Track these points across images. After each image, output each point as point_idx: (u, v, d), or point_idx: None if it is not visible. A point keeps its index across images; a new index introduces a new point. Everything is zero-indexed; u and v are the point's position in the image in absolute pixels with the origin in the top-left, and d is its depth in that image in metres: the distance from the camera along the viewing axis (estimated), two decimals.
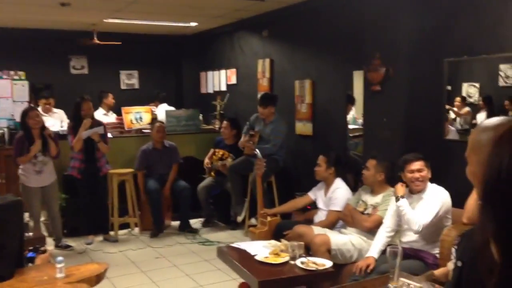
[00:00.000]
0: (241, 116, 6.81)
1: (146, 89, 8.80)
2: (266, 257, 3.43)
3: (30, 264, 3.14)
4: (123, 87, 9.06)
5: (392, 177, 3.96)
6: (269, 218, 4.68)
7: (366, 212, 4.00)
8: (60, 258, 2.88)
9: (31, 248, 3.29)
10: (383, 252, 3.42)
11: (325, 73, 5.76)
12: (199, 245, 5.65)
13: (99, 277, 2.94)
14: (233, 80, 7.74)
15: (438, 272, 2.91)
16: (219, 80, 8.16)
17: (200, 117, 7.35)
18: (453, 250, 1.72)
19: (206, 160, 6.35)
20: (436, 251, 3.44)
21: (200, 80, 8.88)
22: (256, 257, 3.45)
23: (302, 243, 3.52)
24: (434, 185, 3.59)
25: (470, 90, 4.26)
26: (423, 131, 4.40)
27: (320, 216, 4.49)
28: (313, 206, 4.74)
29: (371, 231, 3.86)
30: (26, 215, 4.91)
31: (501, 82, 3.97)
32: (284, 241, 3.68)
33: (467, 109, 4.31)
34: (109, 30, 7.70)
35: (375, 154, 4.12)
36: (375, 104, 4.71)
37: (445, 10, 4.19)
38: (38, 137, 5.13)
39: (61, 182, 5.67)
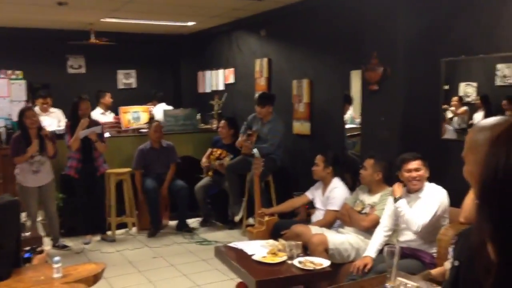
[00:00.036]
0: (238, 115, 6.81)
1: (144, 89, 8.80)
2: (264, 257, 3.43)
3: (27, 265, 3.13)
4: (120, 86, 9.04)
5: (390, 176, 3.97)
6: (266, 218, 4.68)
7: (363, 211, 4.00)
8: (57, 258, 2.87)
9: (28, 248, 3.29)
10: (381, 251, 3.43)
11: (322, 72, 5.76)
12: (197, 244, 5.65)
13: (96, 277, 2.93)
14: (231, 80, 7.73)
15: (435, 271, 2.92)
16: (217, 79, 8.15)
17: (198, 116, 7.35)
18: (450, 249, 1.72)
19: (204, 160, 6.35)
20: (433, 250, 3.45)
21: (197, 79, 8.86)
22: (254, 257, 3.45)
23: (300, 242, 3.53)
24: (432, 185, 3.59)
25: (468, 89, 4.27)
26: (421, 131, 4.41)
27: (317, 215, 4.49)
28: (310, 205, 4.75)
29: (368, 231, 3.87)
30: (23, 215, 4.90)
31: (498, 82, 3.97)
32: (281, 241, 3.68)
33: (464, 108, 4.32)
34: (106, 30, 7.68)
35: (373, 153, 4.13)
36: (372, 104, 4.71)
37: (442, 10, 4.20)
38: (35, 137, 5.12)
39: (58, 182, 5.66)
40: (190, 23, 7.52)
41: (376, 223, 3.77)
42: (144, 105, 7.57)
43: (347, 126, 5.68)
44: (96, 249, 5.51)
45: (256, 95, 6.41)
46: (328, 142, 5.57)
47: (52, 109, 7.00)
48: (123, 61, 8.93)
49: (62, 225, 5.66)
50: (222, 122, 6.45)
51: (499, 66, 3.93)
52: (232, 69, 7.71)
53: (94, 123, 5.65)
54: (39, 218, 5.68)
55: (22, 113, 5.16)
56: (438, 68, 4.19)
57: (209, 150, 6.41)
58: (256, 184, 5.12)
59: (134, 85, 9.15)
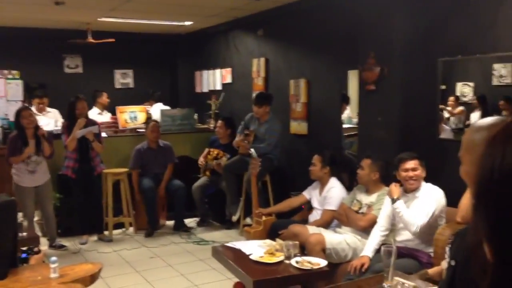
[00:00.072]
0: (236, 115, 6.81)
1: (141, 88, 8.78)
2: (261, 257, 3.43)
3: (24, 265, 3.12)
4: (117, 86, 9.03)
5: (387, 176, 3.97)
6: (264, 218, 4.68)
7: (360, 211, 4.01)
8: (54, 258, 2.87)
9: (25, 248, 3.28)
10: (378, 251, 3.43)
11: (320, 72, 5.76)
12: (194, 244, 5.65)
13: (93, 277, 2.93)
14: (228, 79, 7.73)
15: (432, 271, 2.92)
16: (214, 79, 8.15)
17: (195, 116, 7.34)
18: (447, 249, 1.72)
19: (201, 159, 6.34)
20: (430, 250, 3.46)
21: (195, 79, 8.86)
22: (251, 257, 3.45)
23: (297, 242, 3.53)
24: (429, 184, 3.60)
25: (464, 89, 4.28)
26: (418, 130, 4.41)
27: (315, 215, 4.49)
28: (308, 205, 4.75)
29: (365, 230, 3.87)
30: (20, 215, 4.89)
31: (495, 82, 3.98)
32: (279, 241, 3.68)
33: (460, 108, 4.33)
34: (103, 29, 7.67)
35: (370, 153, 4.14)
36: (369, 104, 4.72)
37: (439, 10, 4.20)
38: (32, 137, 5.11)
39: (55, 182, 5.65)
40: (187, 23, 7.51)
41: (373, 223, 3.77)
42: (141, 105, 7.56)
43: (344, 126, 5.69)
44: (93, 249, 5.51)
45: (254, 95, 6.41)
46: (325, 142, 5.57)
47: (49, 109, 6.98)
48: (120, 61, 8.92)
49: (59, 225, 5.65)
50: (219, 122, 6.45)
51: (495, 66, 3.94)
52: (229, 69, 7.70)
53: (91, 122, 5.64)
54: (36, 218, 5.66)
55: (18, 113, 5.14)
56: (435, 68, 4.20)
57: (206, 150, 6.40)
58: (253, 184, 5.12)
59: (131, 85, 9.14)
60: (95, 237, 5.82)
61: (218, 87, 7.98)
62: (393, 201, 3.54)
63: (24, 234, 3.78)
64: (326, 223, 4.31)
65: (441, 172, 3.85)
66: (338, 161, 4.79)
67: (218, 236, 5.90)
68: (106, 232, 5.89)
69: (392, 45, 4.49)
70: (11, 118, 5.99)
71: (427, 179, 3.62)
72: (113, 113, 7.23)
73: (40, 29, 7.74)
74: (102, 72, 8.77)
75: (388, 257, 2.49)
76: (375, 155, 4.06)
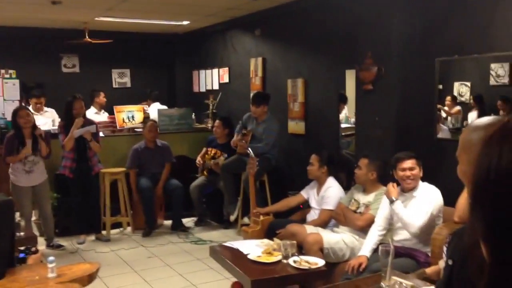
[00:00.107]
0: (233, 115, 6.81)
1: (138, 88, 8.78)
2: (259, 256, 3.43)
3: (22, 265, 3.12)
4: (115, 85, 9.02)
5: (384, 176, 3.98)
6: (261, 217, 4.68)
7: (358, 211, 4.01)
8: (51, 258, 2.86)
9: (22, 248, 3.28)
10: (375, 250, 3.44)
11: (317, 72, 5.76)
12: (192, 244, 5.65)
13: (91, 277, 2.92)
14: (226, 79, 7.73)
15: (429, 270, 2.93)
16: (212, 79, 8.15)
17: (193, 116, 7.34)
18: (444, 248, 1.73)
19: (199, 159, 6.34)
20: (427, 249, 3.46)
21: (192, 78, 8.86)
22: (249, 256, 3.45)
23: (295, 242, 3.53)
24: (426, 184, 3.60)
25: (462, 89, 4.29)
26: (415, 130, 4.42)
27: (312, 215, 4.50)
28: (305, 205, 4.75)
29: (363, 230, 3.88)
30: (17, 215, 4.88)
31: (492, 81, 3.99)
32: (276, 240, 3.68)
33: (457, 108, 4.34)
34: (100, 29, 7.66)
35: (367, 153, 4.14)
36: (367, 103, 4.72)
37: (436, 10, 4.21)
38: (29, 137, 5.10)
39: (52, 182, 5.64)
40: (184, 22, 7.51)
41: (371, 222, 3.78)
42: (138, 104, 7.56)
43: (341, 125, 5.69)
44: (90, 248, 5.50)
45: (251, 94, 6.41)
46: (322, 141, 5.58)
47: (46, 109, 6.97)
48: (117, 60, 8.90)
49: (56, 224, 5.64)
50: (217, 121, 6.44)
51: (493, 65, 3.95)
52: (226, 69, 7.70)
53: (89, 122, 5.63)
54: (33, 218, 5.65)
55: (15, 113, 5.14)
56: (432, 67, 4.21)
57: (204, 149, 6.40)
58: (251, 183, 5.12)
59: (128, 84, 9.13)
60: (93, 237, 5.81)
61: (216, 86, 7.98)
62: (392, 202, 3.54)
63: (22, 234, 3.78)
64: (323, 223, 4.31)
65: (439, 171, 3.86)
66: (336, 160, 4.79)
67: (216, 235, 5.90)
68: (103, 232, 5.88)
69: (389, 45, 4.50)
70: (8, 117, 5.97)
71: (424, 179, 3.63)
72: (111, 112, 7.23)
73: (37, 29, 7.73)
74: (99, 72, 8.76)
75: (385, 256, 2.49)
76: (372, 155, 4.07)
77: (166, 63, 9.24)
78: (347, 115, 5.92)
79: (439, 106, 4.32)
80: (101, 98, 7.58)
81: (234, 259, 3.48)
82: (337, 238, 3.93)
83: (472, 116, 4.16)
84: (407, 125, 4.46)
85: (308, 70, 5.90)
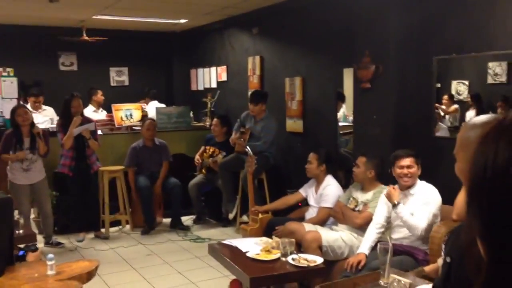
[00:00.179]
0: (231, 113, 6.81)
1: (136, 86, 8.77)
2: (258, 254, 3.43)
3: (21, 262, 3.12)
4: (113, 84, 9.01)
5: (382, 174, 3.99)
6: (260, 215, 4.70)
7: (357, 209, 4.02)
8: (50, 256, 2.87)
9: (22, 246, 3.28)
10: (374, 248, 3.45)
11: (315, 70, 5.77)
12: (191, 242, 5.66)
13: (90, 274, 2.93)
14: (224, 77, 7.73)
15: (428, 268, 2.94)
16: (210, 77, 8.14)
17: (191, 114, 7.34)
18: (443, 246, 1.74)
19: (197, 157, 6.35)
20: (426, 247, 3.47)
21: (190, 77, 8.85)
22: (248, 254, 3.46)
23: (293, 240, 3.53)
24: (423, 182, 3.61)
25: (459, 87, 4.30)
26: (413, 128, 4.43)
27: (311, 213, 4.51)
28: (304, 203, 4.76)
29: (362, 228, 3.89)
30: (16, 213, 4.88)
31: (490, 80, 4.00)
32: (275, 238, 3.69)
33: (455, 106, 4.35)
34: (98, 27, 7.66)
35: (365, 151, 4.15)
36: (365, 102, 4.73)
37: (434, 9, 4.22)
38: (27, 135, 5.10)
39: (51, 180, 5.64)
40: (182, 21, 7.50)
41: (369, 220, 3.79)
42: (136, 102, 7.55)
43: (339, 124, 5.70)
44: (89, 246, 5.51)
45: (249, 92, 6.41)
46: (321, 140, 5.59)
47: (45, 107, 6.96)
48: (115, 59, 8.88)
49: (55, 222, 5.65)
50: (215, 120, 6.45)
51: (490, 64, 3.96)
52: (224, 67, 7.70)
53: (87, 120, 5.63)
54: (32, 216, 5.65)
55: (13, 111, 5.14)
56: (430, 66, 4.21)
57: (202, 148, 6.41)
58: (250, 181, 5.13)
59: (126, 83, 9.12)
60: (91, 235, 5.82)
61: (214, 85, 7.97)
62: (394, 206, 3.53)
63: (21, 231, 3.79)
64: (322, 221, 4.32)
65: (437, 170, 3.87)
66: (334, 159, 4.80)
67: (215, 233, 5.91)
68: (102, 230, 5.89)
69: (387, 44, 4.51)
70: (6, 115, 5.97)
71: (422, 177, 3.63)
72: (109, 111, 7.22)
73: (35, 27, 7.72)
74: (97, 70, 8.74)
75: (384, 254, 2.50)
76: (370, 153, 4.08)
77: (164, 61, 9.23)
78: (345, 114, 5.93)
79: (436, 105, 4.33)
80: (99, 96, 7.58)
81: (233, 257, 3.49)
82: (336, 236, 3.94)
83: (470, 114, 4.16)
84: (405, 124, 4.47)
85: (306, 68, 5.90)
